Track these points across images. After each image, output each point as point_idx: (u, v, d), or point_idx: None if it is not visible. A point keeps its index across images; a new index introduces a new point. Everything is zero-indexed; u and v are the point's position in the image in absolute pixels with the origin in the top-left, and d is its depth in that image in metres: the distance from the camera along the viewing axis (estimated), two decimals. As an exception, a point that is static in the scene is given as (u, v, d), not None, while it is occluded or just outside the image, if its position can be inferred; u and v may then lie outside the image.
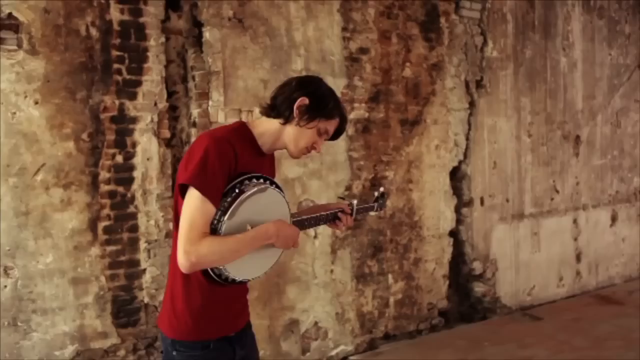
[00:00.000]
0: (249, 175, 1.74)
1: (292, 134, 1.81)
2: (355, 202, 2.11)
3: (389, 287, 4.51)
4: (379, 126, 4.40)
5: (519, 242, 5.29)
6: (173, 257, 1.77)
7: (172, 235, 1.85)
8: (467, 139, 4.90)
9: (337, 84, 4.17)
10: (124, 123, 3.40)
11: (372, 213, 2.27)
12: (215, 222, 1.66)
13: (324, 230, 4.16)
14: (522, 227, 5.32)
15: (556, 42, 5.51)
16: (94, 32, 3.31)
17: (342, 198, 2.12)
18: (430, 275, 4.74)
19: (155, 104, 3.49)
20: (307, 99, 1.78)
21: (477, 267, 5.01)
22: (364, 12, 4.29)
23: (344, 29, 4.21)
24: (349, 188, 4.27)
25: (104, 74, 3.33)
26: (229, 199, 1.67)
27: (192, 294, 1.77)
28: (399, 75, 4.49)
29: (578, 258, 5.81)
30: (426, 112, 4.65)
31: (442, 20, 4.70)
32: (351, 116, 4.25)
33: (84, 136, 3.29)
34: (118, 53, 3.37)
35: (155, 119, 3.49)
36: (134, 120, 3.43)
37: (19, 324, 3.15)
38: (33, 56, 3.15)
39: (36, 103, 3.16)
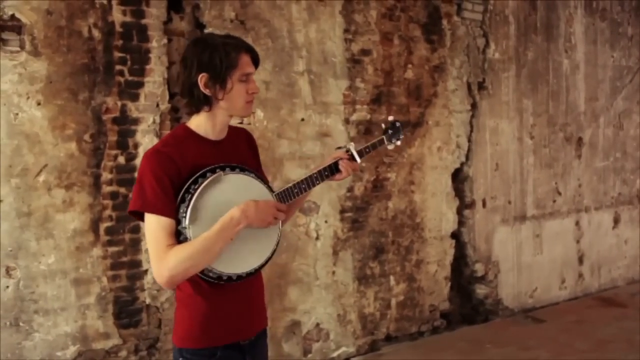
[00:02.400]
0: (203, 172, 1.67)
1: (224, 106, 1.73)
2: (352, 145, 1.98)
3: (391, 289, 4.50)
4: (380, 128, 4.38)
5: (521, 244, 5.29)
6: None
7: None
8: (469, 140, 4.90)
9: (339, 86, 4.19)
10: (126, 124, 3.40)
11: (389, 147, 2.11)
12: (182, 229, 1.63)
13: (326, 231, 4.17)
14: (524, 229, 5.31)
15: (558, 44, 5.51)
16: (96, 33, 3.31)
17: (340, 147, 2.01)
18: (432, 277, 4.74)
19: (157, 105, 3.49)
20: (203, 74, 1.67)
21: (479, 269, 5.00)
22: (366, 13, 4.30)
23: (346, 31, 4.22)
24: (350, 189, 4.27)
25: (106, 75, 3.34)
26: (186, 203, 1.63)
27: (197, 299, 1.73)
28: (400, 77, 4.49)
29: (580, 260, 5.80)
30: (428, 113, 4.65)
31: (444, 22, 4.71)
32: (353, 117, 4.26)
33: (86, 137, 3.30)
34: (120, 54, 3.38)
35: (157, 120, 3.49)
36: (136, 121, 3.43)
37: (21, 324, 3.15)
38: (35, 57, 3.16)
39: (38, 104, 3.17)
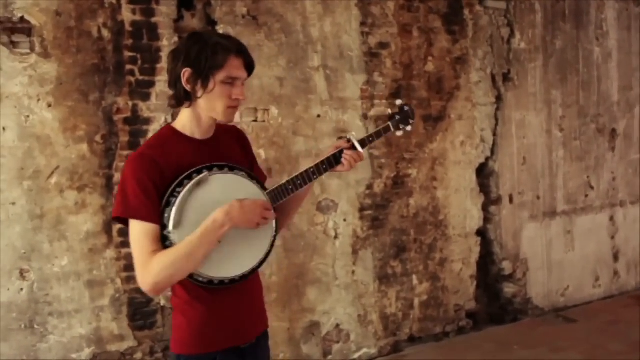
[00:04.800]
0: (189, 173, 1.63)
1: (204, 106, 1.66)
2: (353, 134, 1.85)
3: (414, 288, 4.37)
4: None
5: (552, 241, 5.08)
6: None
7: None
8: (495, 134, 4.72)
9: (356, 81, 4.08)
10: (137, 124, 3.37)
11: (397, 133, 1.94)
12: (168, 234, 1.59)
13: (345, 230, 4.07)
14: (555, 225, 5.10)
15: (589, 32, 5.27)
16: (105, 33, 3.29)
17: (341, 137, 1.86)
18: (457, 275, 4.59)
19: (169, 105, 3.44)
20: (187, 68, 1.62)
21: (507, 267, 4.82)
22: (384, 5, 4.17)
23: (363, 24, 4.10)
24: (370, 187, 4.16)
25: (116, 75, 3.31)
26: (171, 207, 1.58)
27: (194, 304, 1.69)
28: (421, 69, 4.35)
29: (615, 257, 5.55)
30: (450, 107, 4.50)
31: (466, 12, 4.54)
32: (371, 113, 4.14)
33: (98, 138, 3.28)
34: (130, 54, 3.34)
35: (169, 119, 3.44)
36: (148, 121, 3.40)
37: (36, 326, 3.16)
38: (45, 59, 3.15)
39: (49, 106, 3.16)
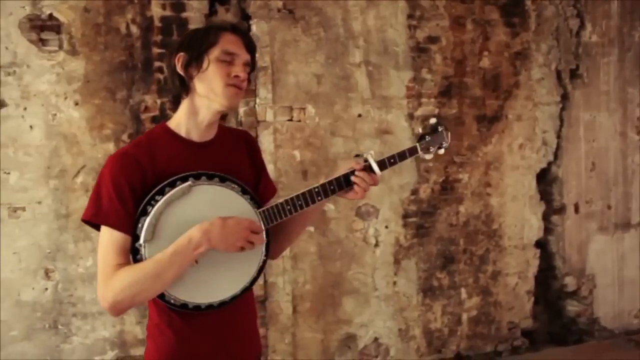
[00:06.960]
0: (172, 180, 1.43)
1: (201, 90, 1.48)
2: (371, 153, 1.57)
3: (462, 303, 4.04)
4: (450, 123, 3.93)
5: (624, 256, 4.56)
6: None
7: None
8: (559, 137, 4.28)
9: (401, 78, 3.80)
10: (165, 123, 3.27)
11: (426, 156, 1.65)
12: (139, 247, 1.39)
13: (386, 238, 3.80)
14: (629, 238, 4.58)
15: (675, 22, 4.69)
16: (134, 29, 3.21)
17: (358, 155, 1.57)
18: (511, 290, 4.20)
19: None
20: (181, 53, 1.49)
21: (570, 283, 4.37)
22: (434, -4, 3.86)
23: (410, 17, 3.81)
24: (415, 192, 3.87)
25: (144, 72, 3.23)
26: (147, 217, 1.39)
27: (165, 330, 1.51)
28: (474, 66, 4.00)
29: (702, 276, 4.93)
30: (508, 106, 4.11)
31: (528, 2, 4.13)
32: (418, 112, 3.85)
33: (124, 137, 3.21)
34: (159, 50, 3.25)
35: (199, 118, 3.33)
36: (176, 120, 3.29)
37: (60, 327, 3.13)
38: (73, 56, 3.11)
39: (76, 104, 3.12)
